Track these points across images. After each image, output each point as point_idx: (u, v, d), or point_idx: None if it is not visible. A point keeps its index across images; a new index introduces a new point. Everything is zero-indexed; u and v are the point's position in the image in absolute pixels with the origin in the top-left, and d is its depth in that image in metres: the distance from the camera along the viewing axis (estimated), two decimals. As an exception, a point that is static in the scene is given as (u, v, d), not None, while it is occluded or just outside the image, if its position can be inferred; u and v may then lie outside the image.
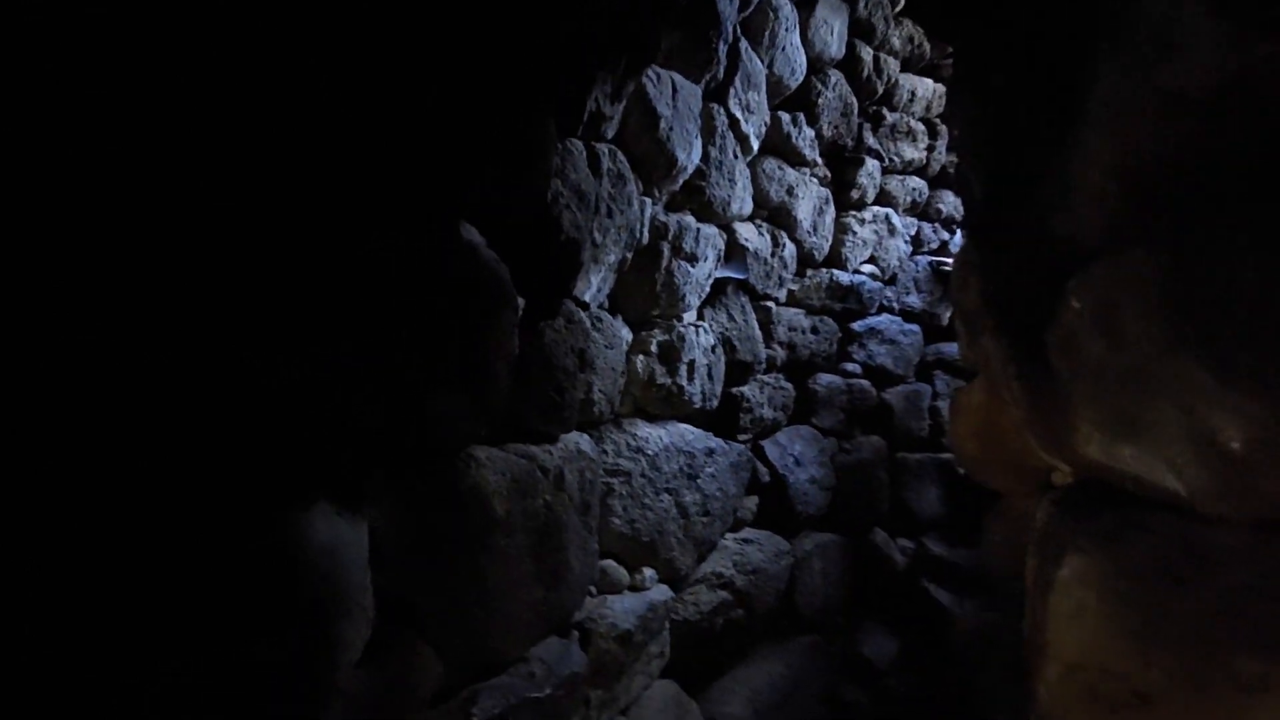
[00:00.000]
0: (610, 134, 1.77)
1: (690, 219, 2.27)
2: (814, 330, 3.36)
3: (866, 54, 3.28)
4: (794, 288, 3.26)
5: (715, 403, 2.59)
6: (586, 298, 1.83)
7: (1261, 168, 0.50)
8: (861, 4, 3.14)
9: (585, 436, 1.72)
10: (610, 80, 1.59)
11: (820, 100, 3.03)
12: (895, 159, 3.64)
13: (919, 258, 3.94)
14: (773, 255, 2.95)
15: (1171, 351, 0.58)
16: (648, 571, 2.09)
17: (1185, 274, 0.55)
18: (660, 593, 2.10)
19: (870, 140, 3.48)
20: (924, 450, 3.75)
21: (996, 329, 1.15)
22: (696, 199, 2.30)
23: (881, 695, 2.82)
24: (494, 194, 1.36)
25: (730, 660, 2.69)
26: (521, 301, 1.51)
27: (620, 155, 1.77)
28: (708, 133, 2.30)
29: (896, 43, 3.44)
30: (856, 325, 3.59)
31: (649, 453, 2.17)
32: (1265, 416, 0.52)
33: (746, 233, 2.81)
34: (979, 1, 0.88)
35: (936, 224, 4.05)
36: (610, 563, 1.99)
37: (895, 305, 3.84)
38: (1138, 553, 0.73)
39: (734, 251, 2.73)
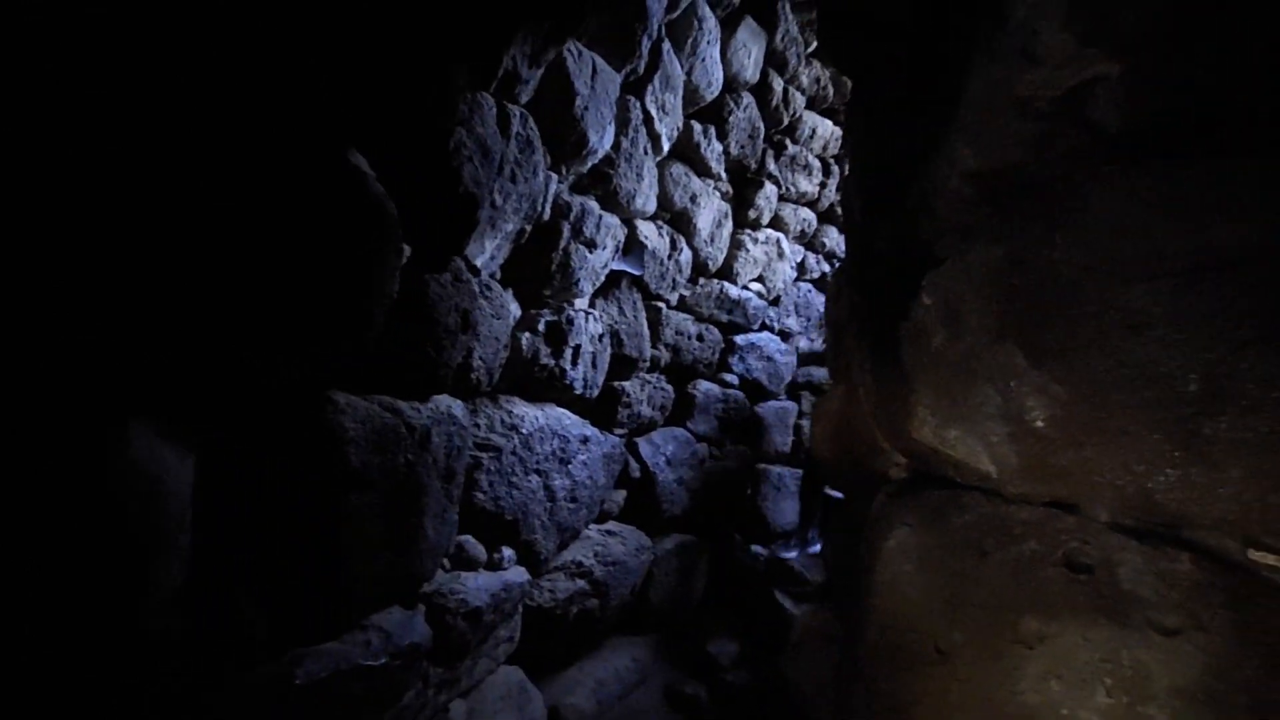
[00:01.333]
0: (524, 99, 1.74)
1: (594, 204, 2.27)
2: (699, 338, 3.47)
3: (778, 84, 3.46)
4: (686, 293, 3.35)
5: (596, 392, 2.59)
6: (479, 263, 1.78)
7: (1078, 171, 0.58)
8: (779, 37, 3.32)
9: (459, 402, 1.66)
10: (530, 42, 1.56)
11: (731, 118, 3.15)
12: (791, 188, 3.86)
13: (801, 284, 4.20)
14: (669, 258, 3.02)
15: (998, 339, 0.66)
16: (507, 551, 2.04)
17: (1013, 267, 0.63)
18: (517, 574, 2.05)
19: (771, 166, 3.67)
20: (786, 464, 3.98)
21: (860, 331, 1.25)
22: (603, 186, 2.31)
23: (721, 690, 2.93)
24: (391, 129, 1.29)
25: (580, 651, 2.69)
26: (408, 250, 1.44)
27: (531, 122, 1.74)
28: (622, 123, 2.32)
29: (805, 80, 3.66)
30: (739, 339, 3.75)
31: (523, 431, 2.13)
32: (1065, 395, 0.60)
33: (647, 231, 2.86)
34: (867, 16, 0.96)
35: (820, 256, 4.33)
36: (469, 538, 1.93)
37: (776, 325, 4.06)
38: (952, 528, 0.81)
39: (633, 247, 2.76)
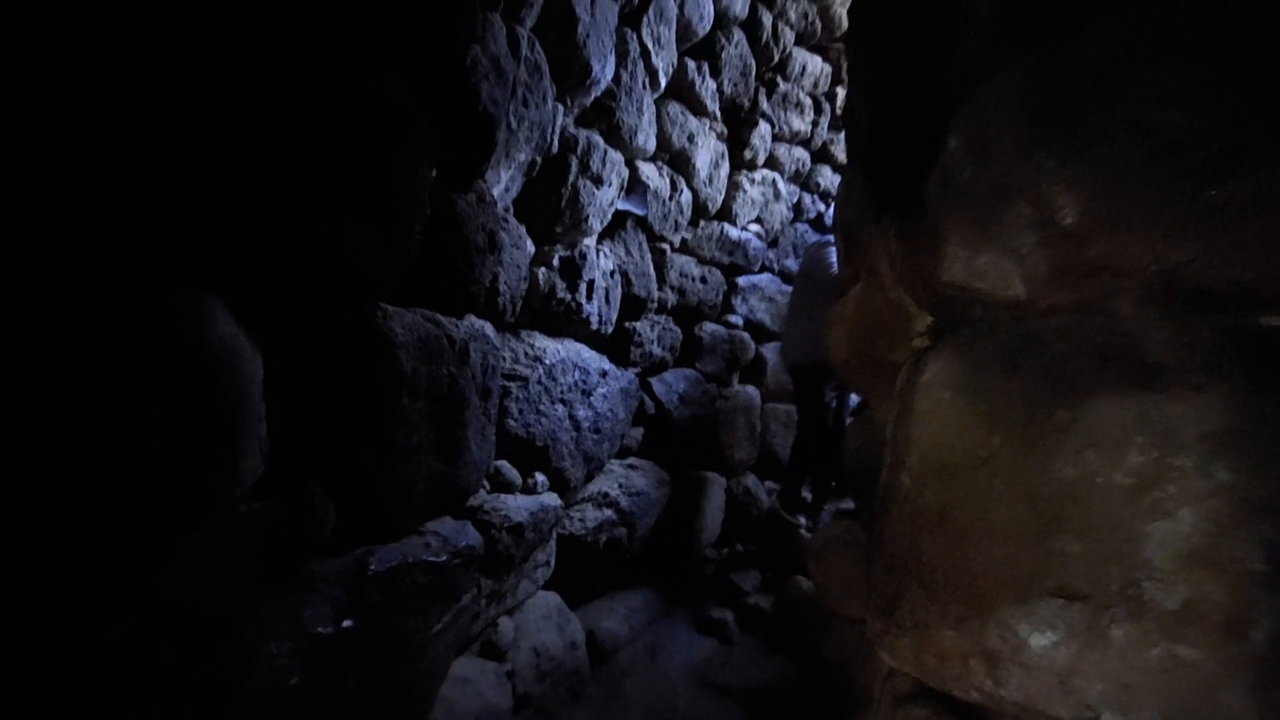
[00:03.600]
0: (530, 23, 1.76)
1: (599, 139, 2.30)
2: (703, 280, 3.52)
3: (767, 19, 3.46)
4: (688, 236, 3.40)
5: (610, 328, 2.65)
6: (495, 193, 1.82)
7: None
8: (766, -30, 3.32)
9: (489, 324, 1.71)
10: (536, -39, 1.58)
11: (724, 54, 3.16)
12: (785, 127, 3.88)
13: (799, 224, 4.24)
14: (671, 199, 3.06)
15: (1029, 151, 0.72)
16: (540, 477, 2.12)
17: (1044, 73, 0.68)
18: (551, 499, 2.14)
19: (764, 105, 3.69)
20: (790, 402, 4.07)
21: (879, 210, 1.31)
22: (606, 120, 2.34)
23: (745, 613, 3.05)
24: (414, 47, 1.32)
25: (610, 580, 2.79)
26: (434, 171, 1.48)
27: (538, 46, 1.77)
28: (621, 55, 2.34)
29: (793, 15, 3.66)
30: (741, 280, 3.81)
31: (547, 363, 2.19)
32: (1095, 184, 0.66)
33: (649, 171, 2.89)
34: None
35: (816, 195, 4.37)
36: (504, 463, 2.00)
37: (776, 266, 4.11)
38: (984, 351, 0.88)
39: (635, 187, 2.80)
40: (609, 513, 2.59)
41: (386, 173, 1.19)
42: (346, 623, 1.16)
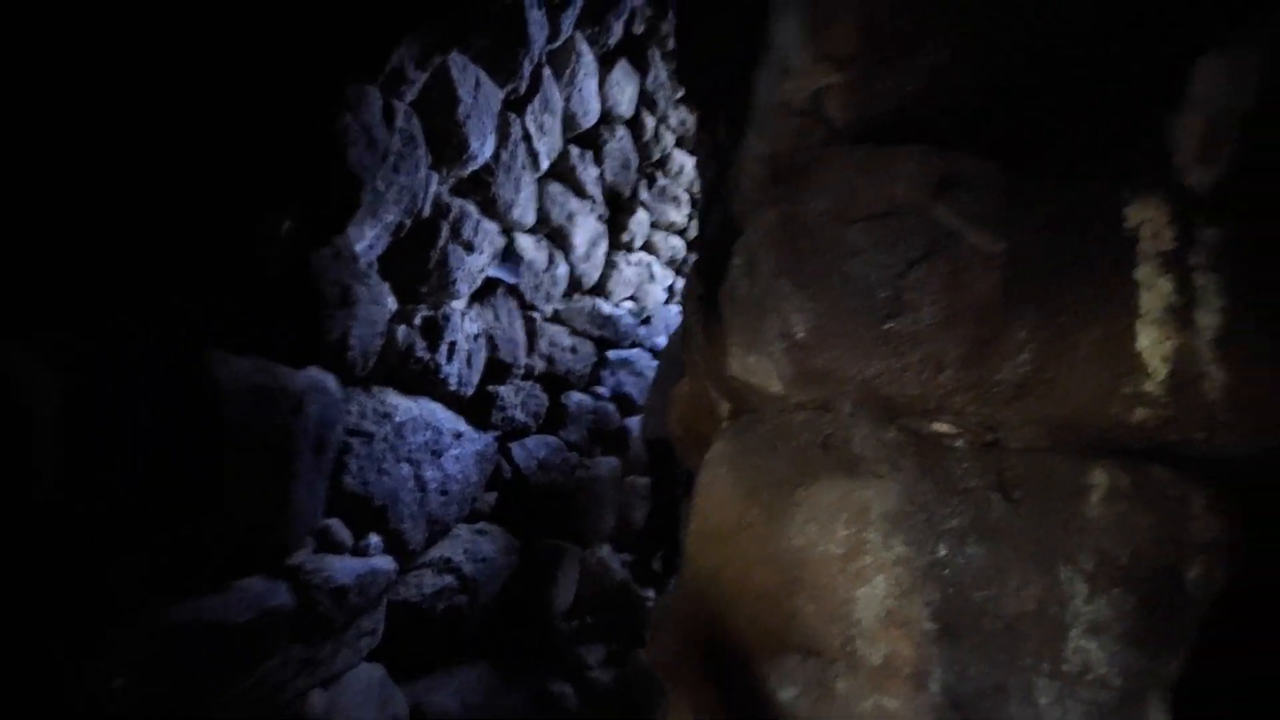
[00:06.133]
0: (410, 97, 1.87)
1: (474, 209, 2.41)
2: (573, 350, 3.65)
3: (650, 122, 3.81)
4: (561, 307, 3.54)
5: (471, 391, 2.68)
6: (359, 249, 1.85)
7: (822, 152, 0.84)
8: (650, 79, 3.68)
9: (333, 376, 1.71)
10: (418, 44, 1.70)
11: (606, 146, 3.43)
12: (662, 217, 4.20)
13: (672, 306, 4.53)
14: (546, 271, 3.20)
15: (777, 276, 0.90)
16: (374, 538, 2.06)
17: (784, 222, 0.87)
18: (384, 562, 2.08)
19: (644, 195, 4.00)
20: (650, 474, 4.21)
21: (698, 308, 1.49)
22: (483, 192, 2.46)
23: (588, 688, 3.03)
24: (281, 109, 1.38)
25: (447, 650, 2.69)
26: (291, 224, 1.50)
27: (416, 119, 1.87)
28: (503, 136, 2.49)
29: (674, 120, 4.05)
30: (611, 354, 3.98)
31: (396, 420, 2.18)
32: (817, 310, 0.84)
33: (526, 243, 3.03)
34: (704, 60, 1.23)
35: (688, 282, 4.70)
36: (336, 521, 1.94)
37: (647, 343, 4.34)
38: (754, 435, 1.03)
39: (511, 256, 2.92)
40: (450, 579, 2.54)
41: (231, 222, 1.21)
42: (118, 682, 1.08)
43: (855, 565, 0.86)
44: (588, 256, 3.55)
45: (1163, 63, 0.84)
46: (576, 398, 3.68)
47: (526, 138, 2.63)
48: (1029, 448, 0.86)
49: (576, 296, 3.64)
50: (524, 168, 2.68)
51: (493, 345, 2.87)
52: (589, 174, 3.31)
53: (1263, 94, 0.81)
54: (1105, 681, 0.78)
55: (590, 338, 3.78)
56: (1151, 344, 0.79)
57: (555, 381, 3.53)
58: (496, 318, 2.93)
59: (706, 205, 1.56)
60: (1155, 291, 0.80)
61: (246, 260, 1.24)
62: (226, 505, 1.31)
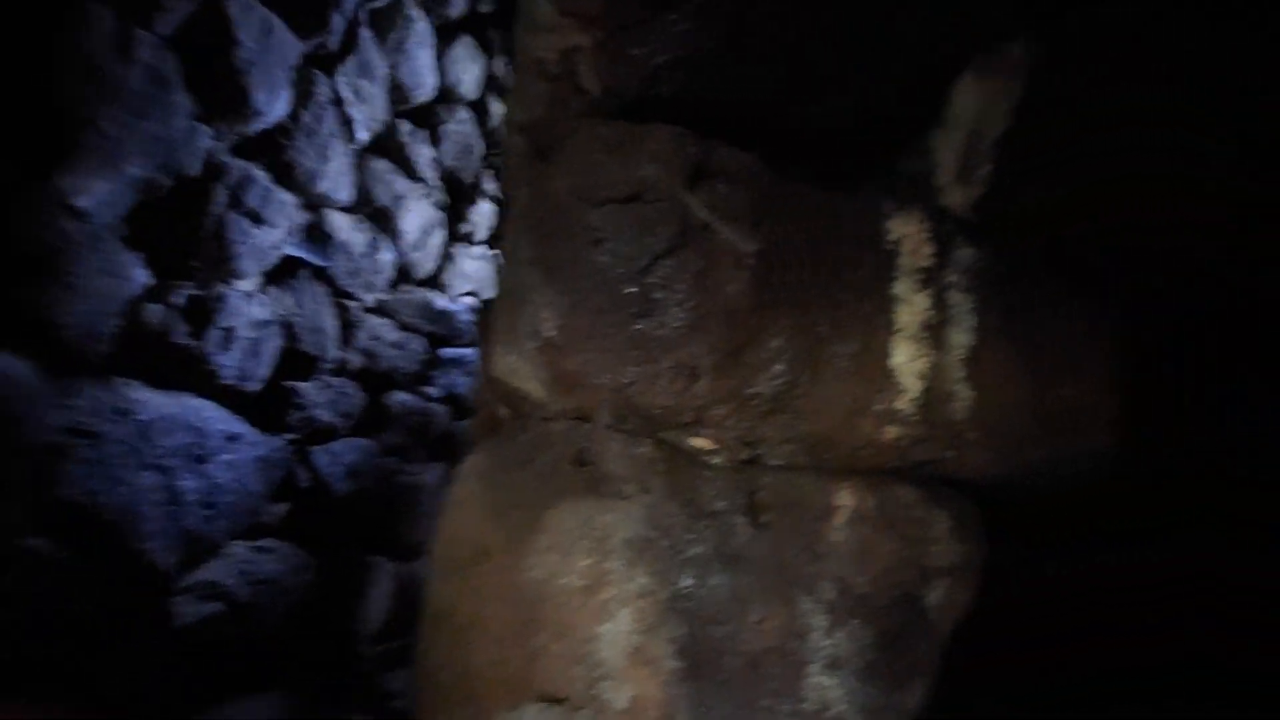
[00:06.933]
0: (166, 30, 1.54)
1: (263, 175, 2.08)
2: (399, 346, 3.34)
3: (497, 108, 3.60)
4: (387, 298, 3.22)
5: (257, 387, 2.32)
6: (84, 204, 1.49)
7: (575, 123, 0.73)
8: (498, 65, 3.48)
9: (28, 364, 1.35)
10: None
11: (446, 128, 3.19)
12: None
13: (515, 305, 4.34)
14: (367, 255, 2.89)
15: (531, 263, 0.77)
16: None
17: (536, 202, 0.75)
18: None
19: (488, 186, 3.77)
20: (487, 481, 3.99)
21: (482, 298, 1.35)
22: (275, 158, 2.14)
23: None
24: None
25: (218, 687, 2.30)
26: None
27: (171, 58, 1.55)
28: (304, 96, 2.19)
29: (525, 111, 3.88)
30: (445, 352, 3.70)
31: (140, 419, 1.81)
32: (566, 304, 0.73)
33: (341, 222, 2.71)
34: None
35: (536, 281, 4.53)
36: (44, 542, 1.55)
37: (486, 342, 4.11)
38: (513, 445, 0.90)
39: (319, 235, 2.59)
40: (216, 606, 2.17)
41: None
42: None
43: (598, 599, 0.75)
44: (420, 245, 3.27)
45: (928, 76, 0.83)
46: (401, 398, 3.37)
47: (338, 101, 2.34)
48: (790, 465, 0.80)
49: (406, 288, 3.33)
50: (334, 135, 2.38)
51: (292, 335, 2.52)
52: (423, 154, 3.05)
53: (1018, 117, 0.82)
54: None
55: (421, 333, 3.48)
56: (906, 360, 0.76)
57: (377, 379, 3.20)
58: (299, 304, 2.58)
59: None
60: (912, 308, 0.77)
61: None
62: None
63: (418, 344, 3.46)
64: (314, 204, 2.49)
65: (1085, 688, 0.89)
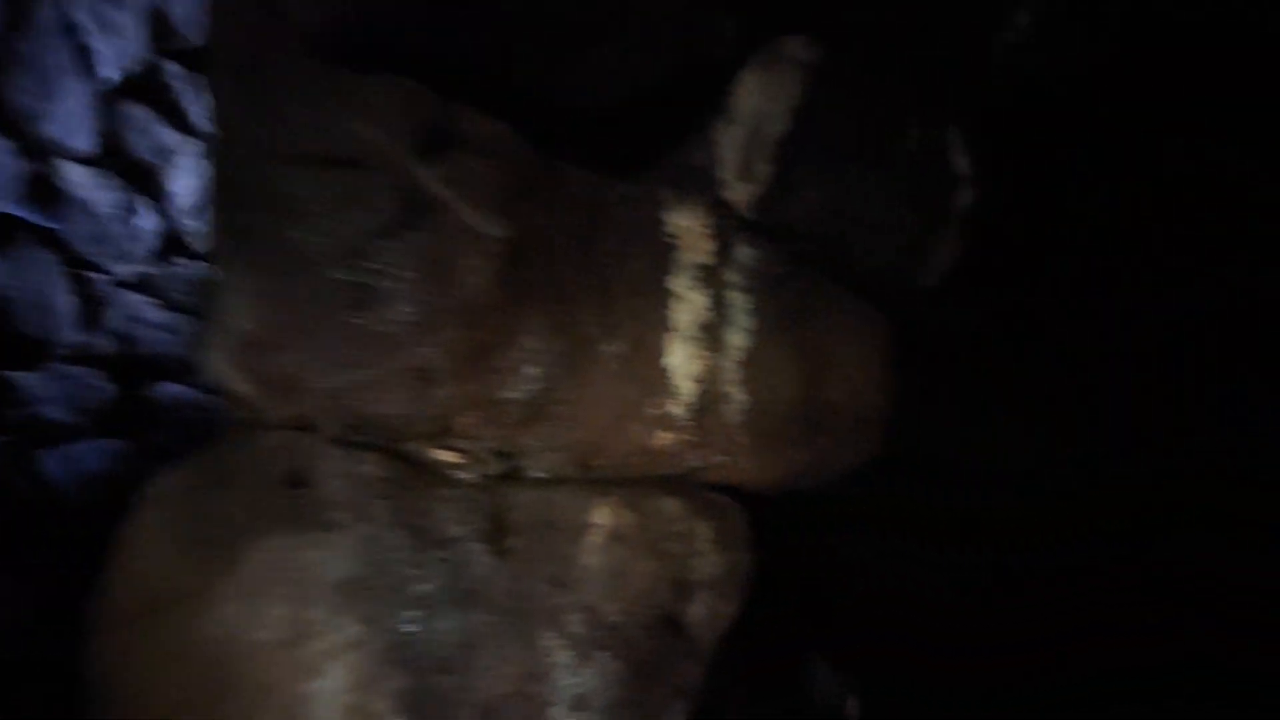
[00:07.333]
0: None
1: (-52, 105, 1.62)
2: (169, 329, 2.84)
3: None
4: (153, 271, 2.73)
5: (-56, 376, 1.82)
6: None
7: (281, 57, 0.60)
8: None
9: None
10: None
11: (231, 78, 2.75)
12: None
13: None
14: (118, 219, 2.41)
15: (225, 238, 0.61)
16: None
17: (230, 157, 0.60)
18: None
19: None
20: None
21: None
22: (-30, 85, 1.68)
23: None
24: None
25: None
26: None
27: None
28: (24, 17, 1.74)
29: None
30: (233, 337, 3.23)
31: None
32: (267, 287, 0.58)
33: (80, 178, 2.23)
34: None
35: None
36: None
37: (288, 328, 3.65)
38: (212, 464, 0.73)
39: (46, 190, 2.10)
40: None
41: None
42: None
43: (303, 653, 0.61)
44: (198, 212, 2.79)
45: (714, 64, 0.78)
46: (173, 390, 2.86)
47: (70, 29, 1.89)
48: (555, 477, 0.71)
49: (180, 260, 2.83)
50: (67, 69, 1.93)
51: (5, 313, 2.02)
52: (198, 105, 2.59)
53: (797, 117, 0.79)
54: (592, 762, 0.66)
55: (198, 315, 2.99)
56: (682, 361, 0.70)
57: (137, 368, 2.69)
58: (16, 275, 2.08)
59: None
60: (691, 306, 0.71)
61: None
62: None
63: (193, 327, 2.97)
64: (37, 151, 2.01)
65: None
